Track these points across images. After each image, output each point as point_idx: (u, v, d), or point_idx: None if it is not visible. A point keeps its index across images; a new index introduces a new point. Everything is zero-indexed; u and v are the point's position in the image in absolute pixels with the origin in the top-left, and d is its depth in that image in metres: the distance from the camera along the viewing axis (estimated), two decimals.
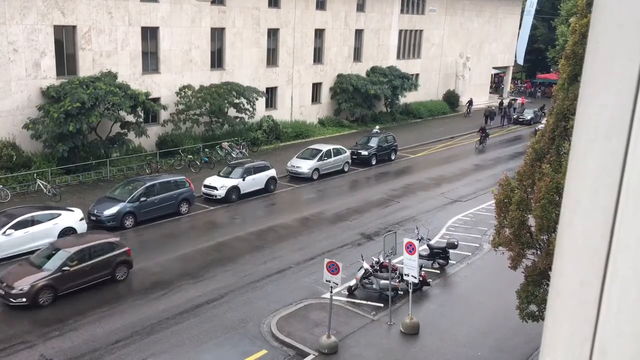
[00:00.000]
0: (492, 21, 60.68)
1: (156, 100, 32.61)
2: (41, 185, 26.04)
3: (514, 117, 52.11)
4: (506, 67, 65.94)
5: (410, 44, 51.90)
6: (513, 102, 54.68)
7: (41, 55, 28.45)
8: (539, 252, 12.99)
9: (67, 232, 21.34)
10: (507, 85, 67.54)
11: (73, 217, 21.74)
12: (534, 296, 13.06)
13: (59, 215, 21.44)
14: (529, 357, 15.90)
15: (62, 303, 17.38)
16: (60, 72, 29.32)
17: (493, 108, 52.38)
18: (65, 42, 29.58)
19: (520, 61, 64.17)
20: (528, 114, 51.90)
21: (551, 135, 12.46)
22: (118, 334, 15.97)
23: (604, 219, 1.07)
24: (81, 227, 21.90)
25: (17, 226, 20.22)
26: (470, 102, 53.94)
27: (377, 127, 42.41)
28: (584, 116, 1.10)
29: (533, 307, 13.43)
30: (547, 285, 13.24)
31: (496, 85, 69.08)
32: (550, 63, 65.55)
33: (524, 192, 12.90)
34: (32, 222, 20.68)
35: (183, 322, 16.75)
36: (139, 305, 17.59)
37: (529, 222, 13.06)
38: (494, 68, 63.84)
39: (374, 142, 36.00)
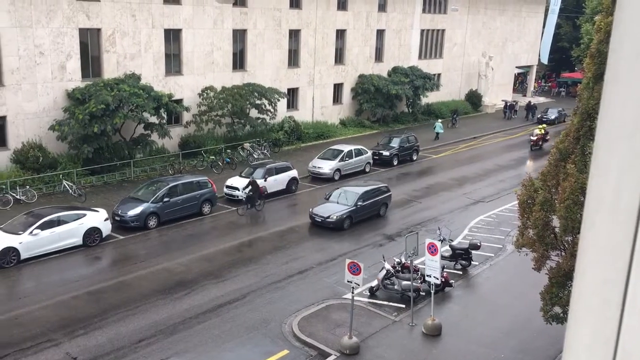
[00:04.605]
0: (515, 20, 60.06)
1: (179, 101, 32.90)
2: (67, 186, 26.45)
3: (538, 116, 51.80)
4: (530, 67, 65.21)
5: (432, 43, 51.61)
6: (514, 103, 54.17)
7: (67, 58, 28.91)
8: (563, 254, 12.82)
9: (92, 232, 21.66)
10: (531, 85, 66.82)
11: (98, 218, 22.04)
12: (558, 298, 12.89)
13: (84, 215, 21.75)
14: (553, 359, 15.69)
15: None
16: (85, 74, 29.76)
17: (533, 103, 53.95)
18: (90, 45, 30.02)
19: (545, 60, 63.39)
20: (552, 114, 51.41)
21: (576, 135, 12.29)
22: (142, 333, 16.15)
23: (627, 218, 1.06)
24: (106, 227, 22.21)
25: (44, 226, 20.58)
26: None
27: (439, 120, 43.14)
28: (607, 114, 1.09)
29: (557, 309, 13.26)
30: (572, 286, 13.07)
31: (520, 84, 68.43)
32: (574, 62, 64.67)
33: (548, 192, 12.74)
34: (58, 222, 21.02)
35: (205, 322, 16.87)
36: (162, 304, 17.77)
37: (553, 223, 12.90)
38: (517, 67, 63.17)
39: (395, 143, 35.89)
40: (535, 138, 40.50)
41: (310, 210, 24.94)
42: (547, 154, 36.94)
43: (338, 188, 26.27)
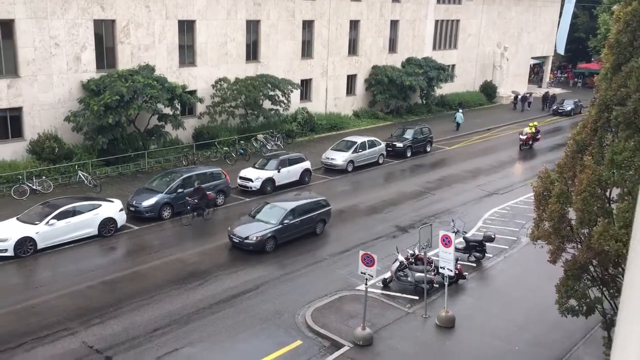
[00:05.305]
0: (531, 10, 59.36)
1: (193, 92, 32.98)
2: (82, 177, 26.68)
3: (554, 108, 51.40)
4: (545, 57, 64.51)
5: (446, 34, 51.21)
6: (528, 95, 53.56)
7: (81, 49, 29.05)
8: (579, 246, 12.70)
9: (108, 222, 21.83)
10: (547, 76, 66.13)
11: (113, 208, 22.20)
12: (573, 291, 12.79)
13: (100, 205, 21.92)
14: (569, 352, 15.61)
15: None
16: (100, 65, 29.90)
17: (551, 94, 54.31)
18: (104, 36, 30.13)
19: (561, 51, 62.63)
20: (568, 105, 50.90)
21: (593, 126, 12.12)
22: (157, 322, 16.29)
23: None
24: (121, 217, 22.37)
25: (60, 216, 20.77)
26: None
27: (460, 111, 43.69)
28: None
29: (573, 302, 13.15)
30: (588, 279, 12.94)
31: (536, 75, 67.74)
32: (591, 52, 63.88)
33: (564, 184, 12.60)
34: (74, 213, 21.21)
35: (219, 312, 16.97)
36: (176, 294, 17.89)
37: (569, 215, 12.78)
38: (533, 58, 62.51)
39: (409, 134, 35.77)
40: (524, 137, 37.89)
41: (229, 229, 21.47)
42: (536, 155, 35.32)
43: (268, 203, 22.54)
